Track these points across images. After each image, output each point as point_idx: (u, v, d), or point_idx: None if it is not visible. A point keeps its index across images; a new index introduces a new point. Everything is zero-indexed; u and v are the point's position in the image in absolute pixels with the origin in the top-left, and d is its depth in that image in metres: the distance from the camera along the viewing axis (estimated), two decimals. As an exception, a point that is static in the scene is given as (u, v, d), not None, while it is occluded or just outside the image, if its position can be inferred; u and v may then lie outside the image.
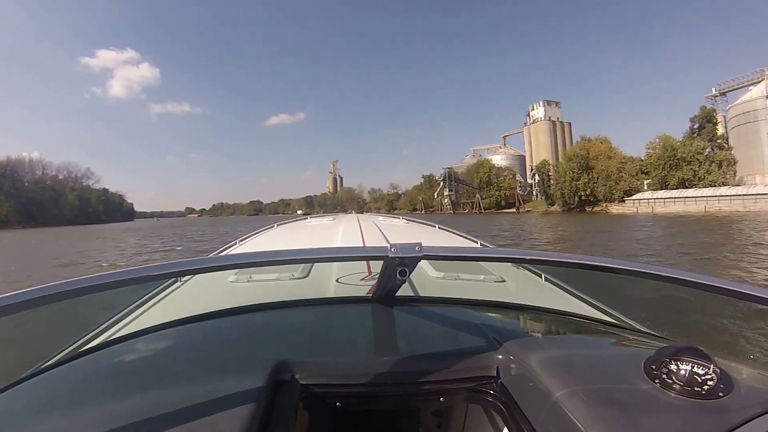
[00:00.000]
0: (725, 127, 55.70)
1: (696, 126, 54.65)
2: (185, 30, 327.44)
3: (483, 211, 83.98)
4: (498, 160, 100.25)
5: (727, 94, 60.30)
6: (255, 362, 0.75)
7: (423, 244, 0.73)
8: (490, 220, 38.50)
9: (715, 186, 48.12)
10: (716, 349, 0.69)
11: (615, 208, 55.03)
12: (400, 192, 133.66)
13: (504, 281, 1.64)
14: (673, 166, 52.01)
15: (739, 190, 44.03)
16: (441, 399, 0.78)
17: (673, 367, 0.62)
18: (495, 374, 0.77)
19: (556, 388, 0.63)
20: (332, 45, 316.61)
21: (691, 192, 48.10)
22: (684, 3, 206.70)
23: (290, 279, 1.55)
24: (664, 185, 52.98)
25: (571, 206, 62.63)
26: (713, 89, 62.43)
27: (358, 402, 0.76)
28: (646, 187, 56.31)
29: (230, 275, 1.59)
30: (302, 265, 1.59)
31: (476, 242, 2.46)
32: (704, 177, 49.89)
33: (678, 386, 0.60)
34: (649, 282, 0.78)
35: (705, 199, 45.13)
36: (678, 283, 0.73)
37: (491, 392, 0.77)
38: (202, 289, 1.63)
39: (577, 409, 0.59)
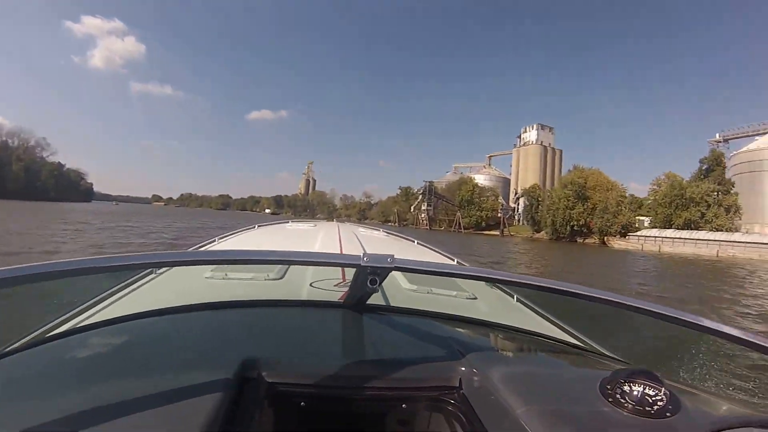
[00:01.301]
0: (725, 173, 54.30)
1: (704, 168, 53.52)
2: (178, 10, 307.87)
3: (463, 230, 78.84)
4: (481, 179, 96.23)
5: (729, 141, 59.91)
6: (223, 358, 0.75)
7: (396, 257, 0.74)
8: (505, 247, 32.10)
9: (720, 230, 45.92)
10: (668, 373, 0.75)
11: (618, 243, 51.64)
12: (373, 201, 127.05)
13: (476, 298, 1.65)
14: (680, 206, 49.74)
15: (756, 238, 41.78)
16: (404, 405, 0.79)
17: (626, 388, 0.65)
18: (458, 385, 0.78)
19: (516, 404, 0.66)
20: (323, 49, 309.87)
21: (702, 234, 45.50)
22: (683, 50, 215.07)
23: (265, 279, 1.54)
24: (667, 224, 50.41)
25: (561, 235, 58.64)
26: (717, 135, 62.79)
27: (323, 403, 0.76)
28: (638, 224, 53.41)
29: (206, 271, 1.56)
30: (278, 266, 1.61)
31: (453, 260, 2.43)
32: (712, 220, 47.85)
33: (630, 405, 0.63)
34: (614, 309, 0.81)
35: (717, 243, 42.31)
36: (638, 312, 0.77)
37: (453, 402, 0.78)
38: (177, 282, 1.61)
39: (533, 425, 0.62)
